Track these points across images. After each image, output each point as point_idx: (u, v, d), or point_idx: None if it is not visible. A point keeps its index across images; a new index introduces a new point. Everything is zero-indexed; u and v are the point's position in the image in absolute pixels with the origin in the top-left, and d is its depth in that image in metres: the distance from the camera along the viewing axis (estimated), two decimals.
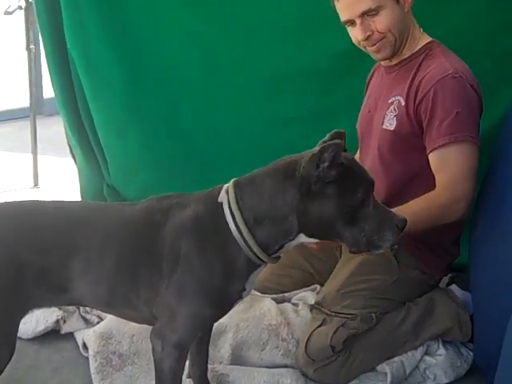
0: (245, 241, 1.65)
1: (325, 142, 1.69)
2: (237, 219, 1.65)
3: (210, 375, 2.05)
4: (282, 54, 2.94)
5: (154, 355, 1.75)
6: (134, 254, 1.71)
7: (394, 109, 2.16)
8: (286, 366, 2.17)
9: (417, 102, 2.08)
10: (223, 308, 1.77)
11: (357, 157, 2.48)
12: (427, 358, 2.18)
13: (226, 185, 1.71)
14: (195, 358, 2.00)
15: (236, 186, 1.68)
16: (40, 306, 1.81)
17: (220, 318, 1.87)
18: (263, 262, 1.70)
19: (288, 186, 1.61)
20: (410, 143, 2.14)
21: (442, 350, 2.20)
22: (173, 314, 1.70)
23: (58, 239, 1.71)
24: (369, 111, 2.34)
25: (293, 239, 1.68)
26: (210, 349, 2.04)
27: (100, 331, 2.28)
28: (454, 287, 2.34)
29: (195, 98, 3.15)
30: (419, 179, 2.15)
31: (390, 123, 2.17)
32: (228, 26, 2.96)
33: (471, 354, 2.22)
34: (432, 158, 2.06)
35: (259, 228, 1.65)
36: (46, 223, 1.74)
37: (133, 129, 3.33)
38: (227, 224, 1.66)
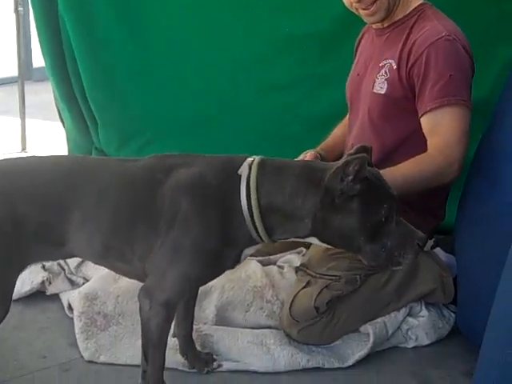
0: (252, 221, 1.64)
1: (350, 154, 1.67)
2: (252, 198, 1.63)
3: (194, 335, 2.06)
4: (282, 17, 2.94)
5: (141, 314, 1.74)
6: (131, 208, 1.70)
7: (386, 72, 2.13)
8: (269, 327, 2.19)
9: (409, 64, 2.06)
10: (213, 273, 1.77)
11: (346, 120, 2.47)
12: (410, 319, 2.20)
13: (250, 158, 1.69)
14: (181, 318, 2.01)
15: (261, 166, 1.66)
16: (38, 260, 1.83)
17: (209, 281, 1.88)
18: (262, 241, 1.69)
19: (310, 194, 1.61)
20: (401, 107, 2.12)
21: (424, 312, 2.22)
22: (163, 273, 1.69)
23: (57, 193, 1.70)
24: (358, 74, 2.32)
25: (302, 238, 1.69)
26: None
27: (85, 292, 2.29)
28: (438, 250, 2.35)
29: (195, 63, 3.15)
30: (410, 143, 2.14)
31: (381, 87, 2.15)
32: None
33: (453, 315, 2.24)
34: (424, 120, 2.05)
35: (271, 215, 1.64)
36: (45, 177, 1.73)
37: (132, 93, 3.31)
38: (239, 197, 1.64)
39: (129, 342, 2.14)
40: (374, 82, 2.17)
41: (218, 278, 2.24)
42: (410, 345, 2.18)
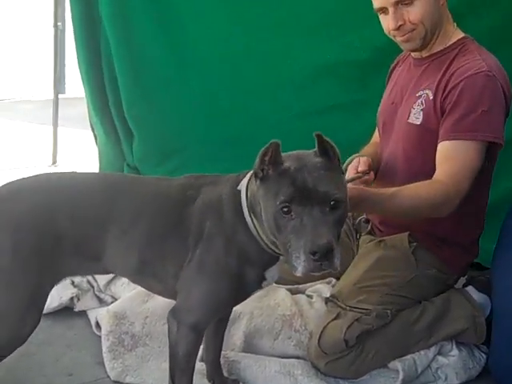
0: (257, 230, 1.64)
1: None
2: (246, 211, 1.65)
3: (221, 361, 2.05)
4: (324, 44, 2.97)
5: (169, 336, 1.75)
6: (164, 226, 1.72)
7: (422, 103, 2.12)
8: (297, 357, 2.16)
9: (445, 93, 2.04)
10: (239, 293, 1.76)
11: (370, 145, 2.46)
12: (440, 357, 2.17)
13: (251, 171, 1.70)
14: (210, 343, 2.01)
15: (252, 177, 1.66)
16: (73, 274, 1.85)
17: (237, 303, 1.87)
18: (280, 254, 1.66)
19: (254, 187, 1.61)
20: (435, 138, 2.09)
21: (455, 351, 2.18)
22: (190, 291, 1.71)
23: (96, 210, 1.73)
24: (392, 103, 2.31)
25: None
26: None
27: (114, 311, 2.29)
28: (470, 288, 2.31)
29: (235, 84, 3.19)
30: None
31: (417, 117, 2.13)
32: (271, 14, 2.98)
33: (484, 356, 2.20)
34: (444, 146, 2.01)
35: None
36: (84, 194, 1.76)
37: (170, 111, 3.35)
38: (242, 210, 1.66)
39: (155, 364, 2.14)
40: (410, 112, 2.16)
41: (246, 305, 2.26)
42: None
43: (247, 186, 1.66)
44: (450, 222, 2.07)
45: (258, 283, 1.74)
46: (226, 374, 2.06)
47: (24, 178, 1.81)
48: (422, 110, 2.12)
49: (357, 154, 2.32)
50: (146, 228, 1.73)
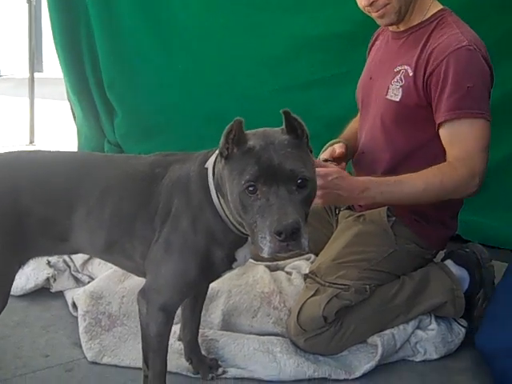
0: (223, 210, 1.60)
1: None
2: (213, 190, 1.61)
3: (199, 340, 2.03)
4: (304, 19, 2.95)
5: (140, 318, 1.72)
6: (131, 205, 1.69)
7: (401, 79, 2.10)
8: (276, 335, 2.15)
9: (427, 73, 2.02)
10: (208, 273, 1.72)
11: (356, 119, 2.44)
12: (419, 332, 2.16)
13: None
14: (187, 322, 1.98)
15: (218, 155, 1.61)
16: (41, 254, 1.81)
17: (206, 283, 1.85)
18: (247, 234, 1.60)
19: (219, 165, 1.57)
20: (415, 115, 2.09)
21: (434, 325, 2.18)
22: (158, 271, 1.67)
23: (62, 189, 1.69)
24: (370, 78, 2.29)
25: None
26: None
27: (90, 291, 2.26)
28: (449, 262, 2.31)
29: (217, 59, 3.20)
30: (423, 152, 2.12)
31: (395, 93, 2.11)
32: None
33: (463, 330, 2.20)
34: (442, 131, 2.02)
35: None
36: (50, 173, 1.71)
37: (153, 87, 3.34)
38: (209, 188, 1.62)
39: (133, 343, 2.11)
40: (388, 88, 2.14)
41: (224, 282, 2.25)
42: (419, 358, 2.14)
43: (214, 164, 1.61)
44: None
45: (228, 264, 1.70)
46: (204, 353, 2.04)
47: None
48: (401, 86, 2.10)
49: (332, 141, 2.30)
50: (113, 207, 1.69)
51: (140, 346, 1.77)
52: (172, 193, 1.66)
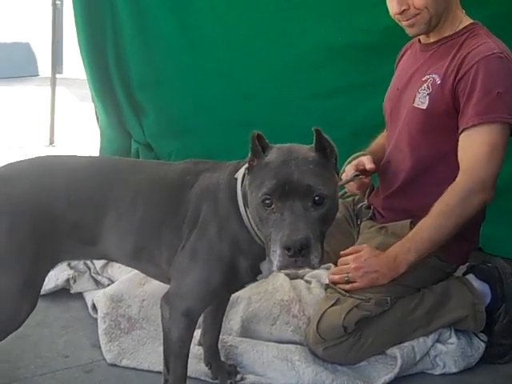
0: (249, 221, 1.61)
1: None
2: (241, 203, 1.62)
3: (219, 346, 2.03)
4: (333, 27, 2.99)
5: (162, 322, 1.73)
6: (160, 211, 1.70)
7: (428, 87, 2.10)
8: (295, 343, 2.15)
9: (457, 79, 2.02)
10: (232, 283, 1.73)
11: (384, 135, 2.44)
12: (438, 345, 2.15)
13: None
14: (208, 328, 1.99)
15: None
16: (69, 258, 1.84)
17: (230, 292, 1.86)
18: None
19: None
20: (441, 124, 2.08)
21: (453, 339, 2.16)
22: (183, 278, 1.68)
23: (93, 194, 1.70)
24: (397, 89, 2.29)
25: None
26: None
27: (110, 293, 2.27)
28: (470, 276, 2.30)
29: (246, 66, 3.24)
30: (446, 162, 2.11)
31: (422, 101, 2.11)
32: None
33: (483, 344, 2.18)
34: (461, 139, 2.02)
35: None
36: (82, 177, 1.73)
37: (182, 90, 3.40)
38: (237, 199, 1.62)
39: (151, 347, 2.12)
40: (415, 97, 2.14)
41: (244, 290, 2.23)
42: (438, 372, 2.12)
43: (244, 175, 1.62)
44: None
45: (253, 276, 1.71)
46: (223, 359, 2.04)
47: (21, 161, 1.78)
48: (428, 94, 2.10)
49: (357, 154, 2.31)
50: (143, 212, 1.70)
51: (158, 349, 1.79)
52: (201, 201, 1.67)
